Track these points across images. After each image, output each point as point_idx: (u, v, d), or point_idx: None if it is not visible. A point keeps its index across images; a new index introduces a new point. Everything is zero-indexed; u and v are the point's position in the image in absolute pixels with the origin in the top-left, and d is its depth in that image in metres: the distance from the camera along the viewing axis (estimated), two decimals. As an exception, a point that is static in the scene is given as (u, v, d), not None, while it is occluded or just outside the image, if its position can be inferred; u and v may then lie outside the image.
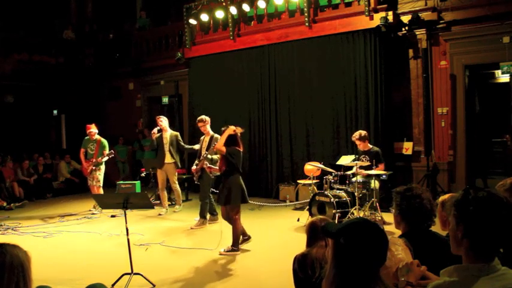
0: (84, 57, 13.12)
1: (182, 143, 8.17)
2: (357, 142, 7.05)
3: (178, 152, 8.12)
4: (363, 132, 7.08)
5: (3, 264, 1.57)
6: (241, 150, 5.53)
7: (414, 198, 2.33)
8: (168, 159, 8.01)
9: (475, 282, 1.44)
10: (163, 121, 8.08)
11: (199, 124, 7.14)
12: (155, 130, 8.03)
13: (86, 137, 8.66)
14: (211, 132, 7.03)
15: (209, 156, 6.52)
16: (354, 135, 7.14)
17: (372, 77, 8.21)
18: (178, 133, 8.30)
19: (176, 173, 8.22)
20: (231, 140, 5.41)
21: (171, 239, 6.28)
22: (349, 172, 6.95)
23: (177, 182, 8.19)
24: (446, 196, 2.72)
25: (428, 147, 8.16)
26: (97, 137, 8.57)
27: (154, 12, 13.38)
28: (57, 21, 13.65)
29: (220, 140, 5.41)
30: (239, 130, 5.51)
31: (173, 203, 9.18)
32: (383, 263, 1.63)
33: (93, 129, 8.59)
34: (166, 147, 7.98)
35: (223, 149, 5.34)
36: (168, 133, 8.10)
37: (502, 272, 1.46)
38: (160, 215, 7.98)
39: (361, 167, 6.66)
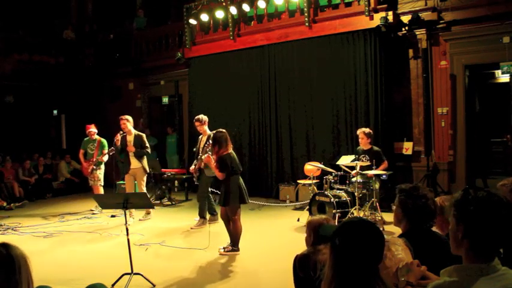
0: (84, 57, 13.11)
1: (145, 147, 7.43)
2: (362, 136, 6.98)
3: (141, 155, 7.45)
4: (369, 130, 7.13)
5: (19, 266, 1.58)
6: (228, 150, 5.41)
7: (420, 197, 2.28)
8: (134, 164, 7.45)
9: (475, 282, 1.44)
10: (127, 123, 7.43)
11: (196, 124, 7.07)
12: (118, 136, 7.40)
13: (86, 138, 8.67)
14: (209, 132, 6.98)
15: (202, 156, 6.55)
16: (360, 129, 7.09)
17: (372, 77, 8.21)
18: (143, 134, 7.69)
19: (145, 179, 7.58)
20: (218, 146, 5.36)
21: (171, 239, 6.28)
22: (353, 172, 6.86)
23: (145, 189, 7.48)
24: (440, 199, 2.69)
25: (428, 147, 8.16)
26: (96, 137, 8.59)
27: (155, 12, 13.38)
28: (57, 21, 13.64)
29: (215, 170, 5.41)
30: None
31: (173, 203, 9.21)
32: (380, 261, 1.63)
33: (92, 129, 8.61)
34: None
35: (220, 174, 5.35)
36: (132, 136, 7.47)
37: (502, 272, 1.46)
38: (140, 220, 7.55)
39: (361, 167, 6.66)
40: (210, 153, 5.79)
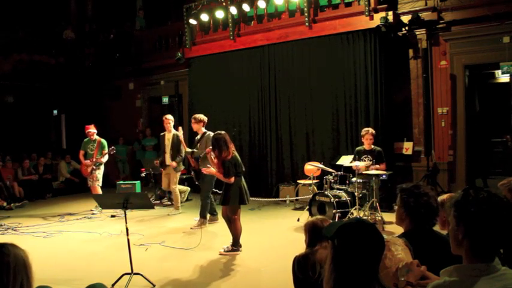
0: (84, 57, 13.12)
1: (182, 144, 7.87)
2: (370, 137, 6.91)
3: (178, 154, 7.94)
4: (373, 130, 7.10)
5: (8, 265, 1.58)
6: (231, 152, 5.34)
7: (421, 195, 2.28)
8: (168, 161, 7.99)
9: (475, 282, 1.44)
10: (171, 122, 8.04)
11: (193, 123, 7.29)
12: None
13: (86, 139, 8.66)
14: (203, 130, 7.20)
15: (201, 155, 6.67)
16: (367, 130, 6.97)
17: (372, 77, 8.21)
18: (179, 133, 8.08)
19: (178, 176, 8.12)
20: (219, 150, 5.27)
21: (171, 239, 6.27)
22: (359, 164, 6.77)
23: (176, 186, 8.10)
24: (444, 196, 2.70)
25: (428, 147, 8.16)
26: (96, 137, 8.58)
27: (155, 13, 13.38)
28: (57, 21, 13.65)
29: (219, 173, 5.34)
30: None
31: (173, 203, 9.20)
32: (378, 263, 1.63)
33: (91, 129, 8.60)
34: (168, 148, 7.98)
35: (226, 179, 5.28)
36: (171, 134, 8.03)
37: (502, 272, 1.46)
38: (169, 215, 7.99)
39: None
40: (213, 157, 5.67)
